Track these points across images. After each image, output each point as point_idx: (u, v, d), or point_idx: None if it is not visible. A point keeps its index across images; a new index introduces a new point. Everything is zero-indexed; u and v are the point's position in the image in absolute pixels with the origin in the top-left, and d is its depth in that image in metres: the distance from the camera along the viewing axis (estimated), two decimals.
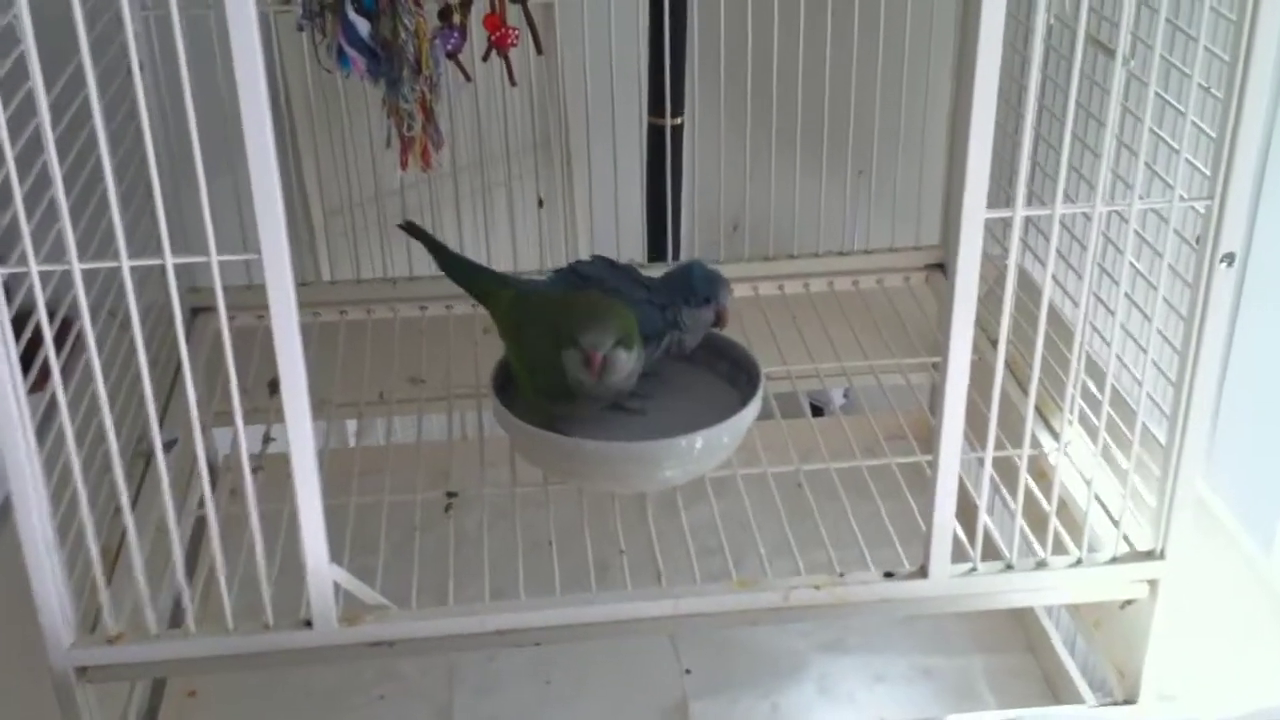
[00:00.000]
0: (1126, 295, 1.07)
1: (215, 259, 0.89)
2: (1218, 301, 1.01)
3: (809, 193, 1.57)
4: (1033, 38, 0.94)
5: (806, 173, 1.56)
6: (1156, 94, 1.00)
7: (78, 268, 0.90)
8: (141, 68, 1.32)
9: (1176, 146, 1.03)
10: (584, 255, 1.35)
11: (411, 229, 1.33)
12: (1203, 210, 0.99)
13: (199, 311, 1.47)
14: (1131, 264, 1.07)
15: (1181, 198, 1.00)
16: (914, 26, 1.52)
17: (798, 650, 1.44)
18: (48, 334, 0.93)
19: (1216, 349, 1.02)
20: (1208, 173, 0.99)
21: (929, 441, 1.11)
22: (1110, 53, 1.00)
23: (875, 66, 1.52)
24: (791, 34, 1.48)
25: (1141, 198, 1.00)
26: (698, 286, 1.23)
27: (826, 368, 1.45)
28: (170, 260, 0.90)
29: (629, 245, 1.66)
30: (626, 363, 1.14)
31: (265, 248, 0.87)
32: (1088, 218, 1.00)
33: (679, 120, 1.67)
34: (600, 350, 1.12)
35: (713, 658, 1.42)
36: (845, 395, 1.99)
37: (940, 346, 1.00)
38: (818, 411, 1.95)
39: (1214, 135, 0.98)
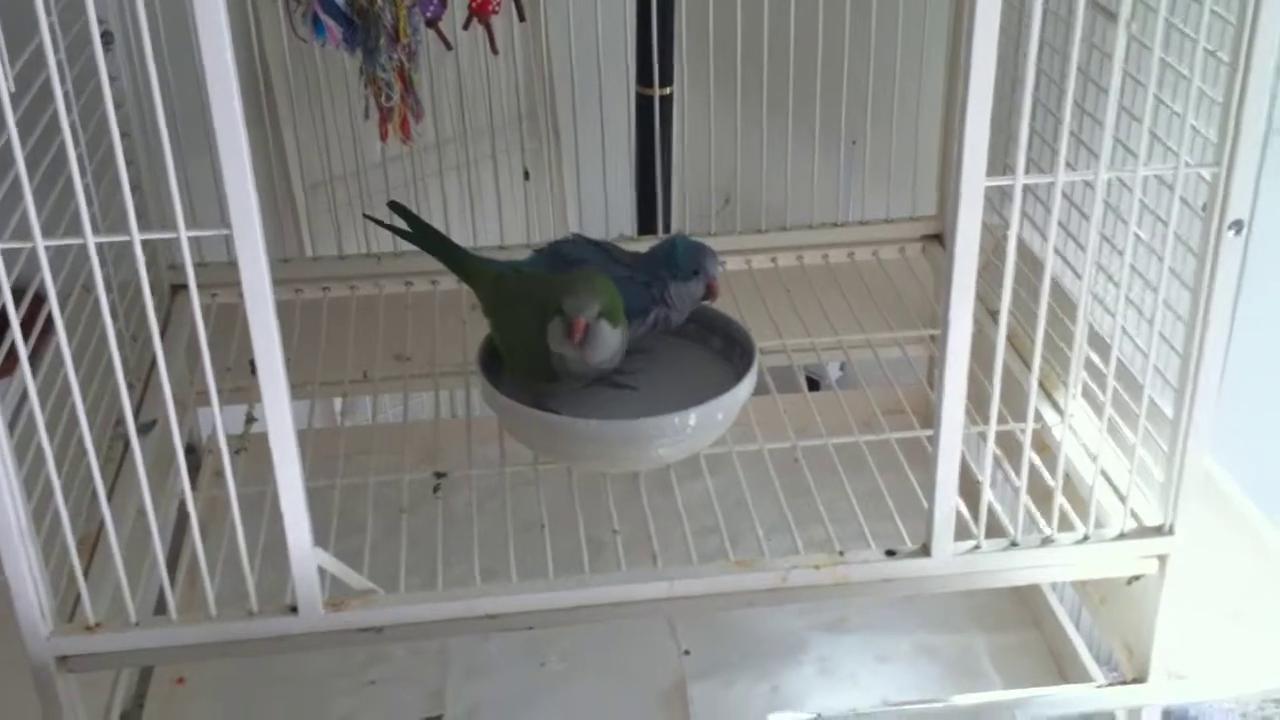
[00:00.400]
0: (1131, 265, 1.04)
1: (184, 235, 0.86)
2: (1225, 270, 0.98)
3: (802, 163, 1.54)
4: (1032, 1, 0.91)
5: (799, 143, 1.53)
6: (1160, 58, 0.97)
7: (41, 245, 0.87)
8: (111, 40, 1.29)
9: (1181, 112, 1.00)
10: (572, 228, 1.32)
11: (395, 210, 1.30)
12: (1209, 177, 0.97)
13: (180, 288, 1.44)
14: (1136, 233, 1.04)
15: (1187, 164, 0.98)
16: None
17: (798, 630, 1.41)
18: (13, 315, 0.90)
19: (1224, 319, 1.00)
20: (1213, 139, 0.96)
21: (927, 416, 1.09)
22: (1112, 16, 0.97)
23: (868, 32, 1.49)
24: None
25: (1145, 164, 0.97)
26: (682, 260, 1.20)
27: (822, 341, 1.43)
28: (137, 236, 0.87)
29: (618, 218, 1.64)
30: (610, 337, 1.11)
31: (236, 221, 0.84)
32: (1090, 185, 0.98)
33: (668, 90, 1.64)
34: (583, 315, 1.09)
35: (712, 638, 1.39)
36: (841, 369, 1.96)
37: (938, 319, 0.98)
38: (814, 386, 1.93)
39: (1220, 100, 0.95)
